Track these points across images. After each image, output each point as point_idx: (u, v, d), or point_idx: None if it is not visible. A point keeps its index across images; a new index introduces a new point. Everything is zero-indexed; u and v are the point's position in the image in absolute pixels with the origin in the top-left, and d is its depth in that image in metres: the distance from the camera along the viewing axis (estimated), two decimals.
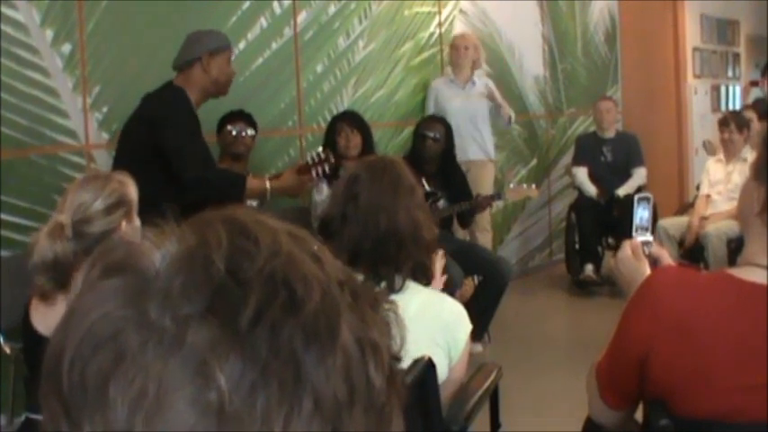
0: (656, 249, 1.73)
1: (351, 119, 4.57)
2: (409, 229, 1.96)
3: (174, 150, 3.32)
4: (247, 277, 0.50)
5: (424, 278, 2.00)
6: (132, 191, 2.32)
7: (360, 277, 1.88)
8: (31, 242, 2.22)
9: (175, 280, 0.50)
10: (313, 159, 3.65)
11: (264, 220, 0.54)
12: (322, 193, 4.33)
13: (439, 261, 2.20)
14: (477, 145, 5.50)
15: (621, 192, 6.05)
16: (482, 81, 5.64)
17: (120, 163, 3.35)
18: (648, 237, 1.75)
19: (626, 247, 1.73)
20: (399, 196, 1.99)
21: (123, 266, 0.52)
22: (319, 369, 0.49)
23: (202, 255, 0.50)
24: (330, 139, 4.49)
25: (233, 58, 3.71)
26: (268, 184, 3.58)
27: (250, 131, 4.33)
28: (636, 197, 1.82)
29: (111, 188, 2.26)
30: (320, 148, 3.78)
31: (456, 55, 5.54)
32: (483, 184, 5.40)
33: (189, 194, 3.23)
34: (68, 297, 2.13)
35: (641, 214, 1.77)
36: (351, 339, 0.51)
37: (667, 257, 1.73)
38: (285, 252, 0.52)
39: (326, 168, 3.66)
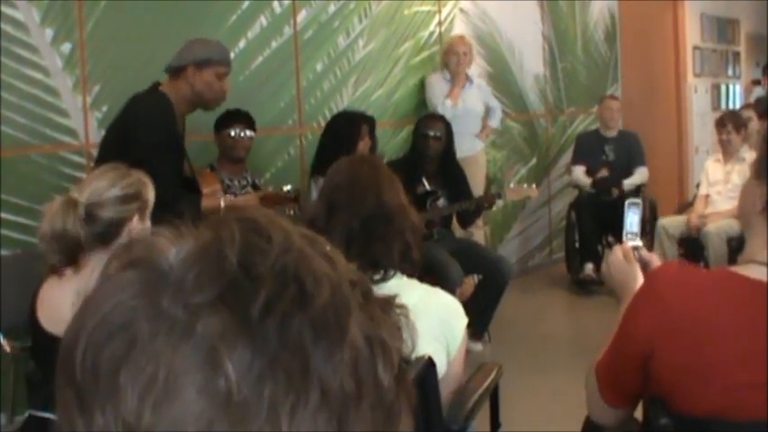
0: (645, 254, 1.76)
1: (372, 126, 4.49)
2: (396, 208, 2.01)
3: (139, 159, 3.15)
4: (259, 272, 0.51)
5: (411, 266, 2.02)
6: (150, 192, 2.34)
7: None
8: (44, 211, 2.25)
9: (189, 272, 0.51)
10: (289, 194, 3.69)
11: (278, 220, 0.56)
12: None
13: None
14: (469, 142, 5.51)
15: (625, 182, 6.07)
16: (476, 81, 5.68)
17: (100, 163, 3.28)
18: (638, 242, 1.78)
19: (617, 251, 1.77)
20: (381, 178, 2.06)
21: (140, 261, 0.53)
22: (327, 363, 0.50)
23: (216, 249, 0.52)
24: (351, 138, 4.32)
25: (229, 68, 3.55)
26: (222, 202, 3.54)
27: (249, 133, 4.29)
28: (627, 202, 1.84)
29: (130, 180, 2.28)
30: (290, 186, 3.78)
31: (456, 61, 5.52)
32: (475, 178, 5.41)
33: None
34: (78, 279, 2.16)
35: (631, 219, 1.80)
36: (360, 337, 0.52)
37: (657, 261, 1.76)
38: (297, 249, 0.53)
39: (296, 210, 3.67)
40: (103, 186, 2.24)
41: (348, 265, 0.56)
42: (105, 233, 2.20)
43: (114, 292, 0.51)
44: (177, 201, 3.36)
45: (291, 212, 3.69)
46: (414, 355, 0.58)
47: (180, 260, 0.52)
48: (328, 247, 0.56)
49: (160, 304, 0.50)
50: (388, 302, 0.57)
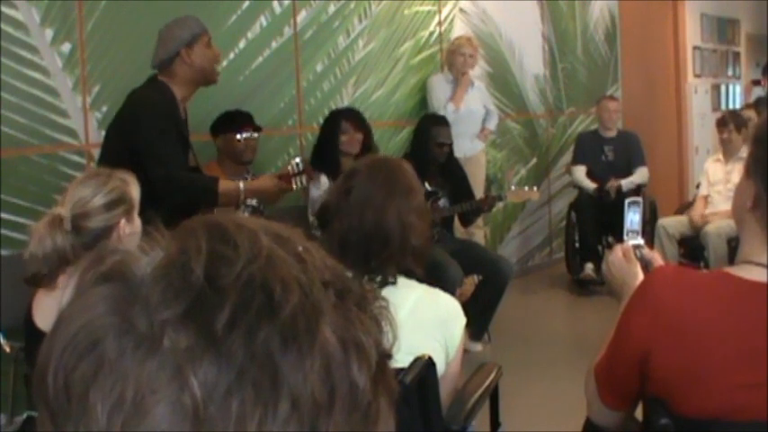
0: (647, 252, 1.76)
1: (354, 118, 4.54)
2: (396, 231, 1.95)
3: (143, 146, 3.20)
4: (224, 283, 0.50)
5: (413, 278, 2.00)
6: (134, 190, 2.31)
7: (348, 272, 1.91)
8: (30, 231, 2.22)
9: (156, 287, 0.50)
10: (293, 169, 3.64)
11: (246, 223, 0.55)
12: (320, 187, 4.33)
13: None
14: (470, 143, 5.53)
15: (624, 183, 6.07)
16: (477, 83, 5.69)
17: (103, 162, 3.27)
18: (639, 240, 1.77)
19: (617, 251, 1.76)
20: (392, 196, 1.98)
21: (113, 274, 0.52)
22: (297, 371, 0.49)
23: (182, 262, 0.51)
24: (330, 134, 4.46)
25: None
26: (242, 185, 3.49)
27: (255, 135, 4.29)
28: (626, 201, 1.84)
29: (112, 185, 2.25)
30: (298, 159, 3.75)
31: (462, 62, 5.52)
32: (476, 178, 5.43)
33: (161, 194, 3.11)
34: (61, 293, 2.15)
35: (632, 218, 1.79)
36: (333, 340, 0.51)
37: (659, 260, 1.75)
38: (265, 255, 0.52)
39: (303, 180, 3.64)
40: (87, 196, 2.21)
41: (323, 263, 0.55)
42: (94, 242, 2.17)
43: (85, 310, 0.51)
44: (193, 181, 3.42)
45: (299, 185, 3.67)
46: (397, 352, 0.57)
47: (149, 273, 0.51)
48: (300, 247, 0.55)
49: (130, 321, 0.50)
50: (365, 297, 0.56)
